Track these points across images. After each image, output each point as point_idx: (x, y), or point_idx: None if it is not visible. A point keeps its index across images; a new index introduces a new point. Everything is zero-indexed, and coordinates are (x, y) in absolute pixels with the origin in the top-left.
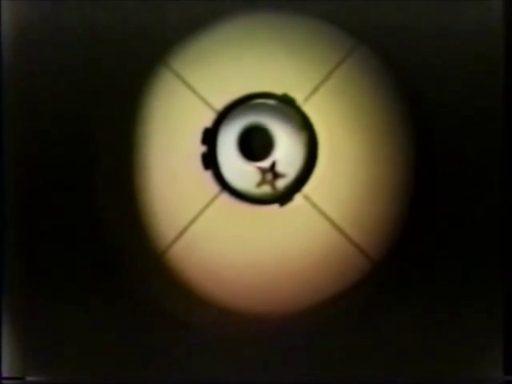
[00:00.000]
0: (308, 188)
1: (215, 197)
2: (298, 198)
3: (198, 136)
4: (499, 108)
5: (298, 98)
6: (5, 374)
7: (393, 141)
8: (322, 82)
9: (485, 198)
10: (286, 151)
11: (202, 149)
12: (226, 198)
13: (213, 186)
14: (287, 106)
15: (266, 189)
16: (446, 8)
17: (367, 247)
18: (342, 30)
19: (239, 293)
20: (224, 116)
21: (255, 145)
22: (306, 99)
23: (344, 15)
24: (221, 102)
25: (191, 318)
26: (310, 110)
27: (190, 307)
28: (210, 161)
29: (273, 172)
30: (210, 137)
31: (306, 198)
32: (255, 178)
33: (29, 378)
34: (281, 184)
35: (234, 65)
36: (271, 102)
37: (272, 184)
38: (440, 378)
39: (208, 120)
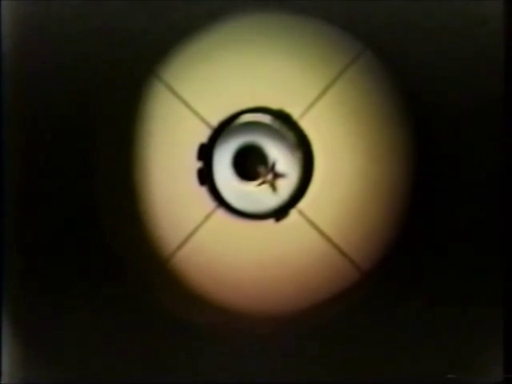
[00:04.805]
0: (303, 204)
1: (212, 212)
2: (292, 214)
3: (194, 151)
4: (499, 108)
5: (295, 112)
6: (4, 375)
7: (392, 156)
8: (319, 97)
9: (484, 199)
10: (282, 170)
11: (198, 164)
12: (222, 213)
13: (209, 202)
14: (283, 123)
15: (261, 205)
16: (446, 8)
17: (361, 262)
18: (338, 40)
19: (239, 295)
20: (219, 132)
21: (250, 165)
22: (303, 114)
23: (345, 20)
24: (216, 116)
25: (192, 319)
26: (307, 124)
27: (191, 308)
28: (206, 177)
29: (273, 172)
30: (205, 153)
31: (301, 213)
32: (251, 195)
33: (29, 379)
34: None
35: (229, 78)
36: (267, 119)
37: (272, 184)
38: (440, 378)
39: (203, 135)
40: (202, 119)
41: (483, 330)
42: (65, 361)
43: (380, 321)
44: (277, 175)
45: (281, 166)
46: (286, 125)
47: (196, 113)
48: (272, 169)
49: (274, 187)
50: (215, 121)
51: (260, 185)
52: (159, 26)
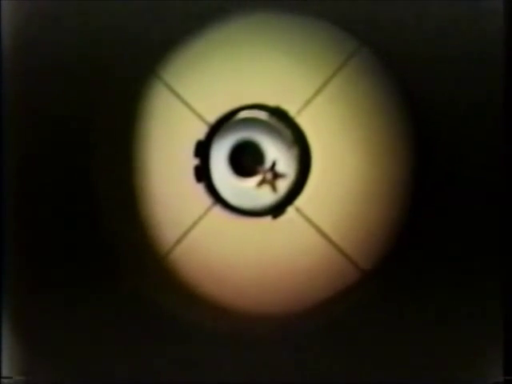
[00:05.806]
0: (300, 201)
1: (208, 209)
2: (290, 211)
3: (191, 148)
4: (499, 108)
5: (292, 109)
6: (5, 374)
7: (389, 153)
8: (315, 94)
9: (484, 200)
10: (278, 167)
11: (195, 161)
12: (219, 210)
13: (206, 199)
14: (280, 120)
15: (258, 202)
16: (446, 7)
17: (359, 260)
18: (335, 37)
19: (236, 292)
20: (216, 129)
21: (246, 161)
22: (300, 111)
23: (341, 18)
24: (213, 113)
25: (188, 316)
26: (304, 121)
27: (187, 305)
28: (203, 173)
29: (273, 172)
30: (202, 150)
31: (298, 210)
32: (248, 192)
33: (29, 380)
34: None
35: (226, 75)
36: (263, 116)
37: (272, 184)
38: (440, 378)
39: (200, 132)
40: (199, 116)
41: (483, 331)
42: (65, 361)
43: (380, 320)
44: (277, 175)
45: (278, 163)
46: (282, 121)
47: (193, 110)
48: (272, 168)
49: (274, 187)
50: (212, 118)
51: (260, 185)
52: (159, 25)
